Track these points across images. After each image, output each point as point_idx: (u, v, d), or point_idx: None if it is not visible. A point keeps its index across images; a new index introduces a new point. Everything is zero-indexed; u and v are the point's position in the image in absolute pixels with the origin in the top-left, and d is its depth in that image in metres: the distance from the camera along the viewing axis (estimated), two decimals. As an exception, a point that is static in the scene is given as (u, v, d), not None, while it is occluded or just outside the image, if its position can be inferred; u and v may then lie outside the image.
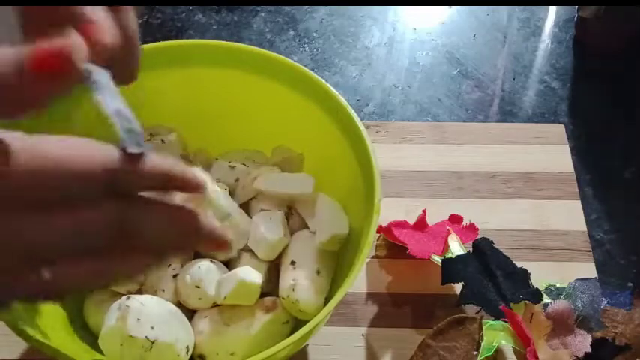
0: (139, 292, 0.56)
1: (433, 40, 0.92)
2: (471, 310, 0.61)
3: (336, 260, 0.58)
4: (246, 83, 0.62)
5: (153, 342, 0.48)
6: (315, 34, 0.91)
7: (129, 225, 0.29)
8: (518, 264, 0.62)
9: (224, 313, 0.54)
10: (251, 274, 0.52)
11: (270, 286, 0.55)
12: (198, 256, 0.57)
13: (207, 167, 0.62)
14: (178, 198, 0.32)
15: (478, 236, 0.64)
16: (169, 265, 0.55)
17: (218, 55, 0.61)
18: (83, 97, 0.31)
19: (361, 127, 0.56)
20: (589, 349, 0.55)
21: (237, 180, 0.60)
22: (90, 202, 0.28)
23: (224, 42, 0.62)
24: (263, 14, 0.95)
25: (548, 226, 0.70)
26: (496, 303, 0.58)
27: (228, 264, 0.57)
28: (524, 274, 0.61)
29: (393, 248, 0.67)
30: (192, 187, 0.31)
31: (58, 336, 0.51)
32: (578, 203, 0.72)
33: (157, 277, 0.54)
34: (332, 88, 0.58)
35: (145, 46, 0.59)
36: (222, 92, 0.63)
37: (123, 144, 0.29)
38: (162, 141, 0.60)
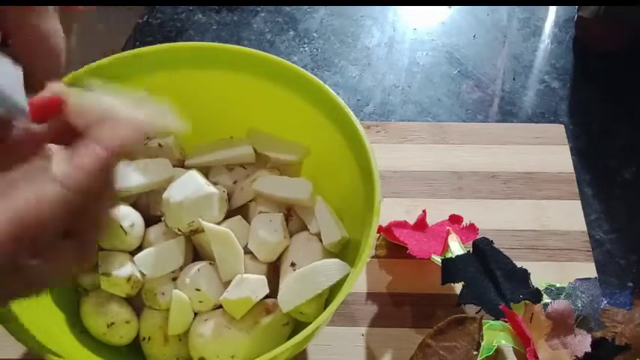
0: (138, 295, 0.56)
1: (433, 40, 0.93)
2: (471, 310, 0.61)
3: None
4: (245, 86, 0.61)
5: None
6: (315, 34, 0.91)
7: None
8: (518, 264, 0.62)
9: (224, 316, 0.54)
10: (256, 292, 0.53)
11: (271, 288, 0.55)
12: (197, 258, 0.57)
13: (205, 170, 0.62)
14: None
15: (478, 236, 0.64)
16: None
17: (216, 58, 0.61)
18: None
19: (361, 129, 0.56)
20: (589, 349, 0.55)
21: (235, 182, 0.60)
22: None
23: (223, 44, 0.62)
24: (263, 14, 0.95)
25: (548, 226, 0.70)
26: (496, 303, 0.58)
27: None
28: (524, 274, 0.61)
29: (393, 248, 0.67)
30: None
31: (59, 342, 0.51)
32: (578, 203, 0.72)
33: (156, 281, 0.54)
34: (331, 90, 0.58)
35: (144, 49, 0.59)
36: (220, 94, 0.62)
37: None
38: (160, 144, 0.60)
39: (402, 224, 0.66)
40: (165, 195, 0.55)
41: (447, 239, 0.63)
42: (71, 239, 0.33)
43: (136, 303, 0.56)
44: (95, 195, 0.31)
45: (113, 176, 0.33)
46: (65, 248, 0.33)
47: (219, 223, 0.56)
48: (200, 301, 0.54)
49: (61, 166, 0.31)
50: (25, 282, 0.32)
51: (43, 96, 0.32)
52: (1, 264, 0.29)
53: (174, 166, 0.59)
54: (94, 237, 0.34)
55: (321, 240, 0.57)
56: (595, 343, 0.55)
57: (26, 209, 0.29)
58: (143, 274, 0.54)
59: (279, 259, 0.57)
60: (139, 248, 0.56)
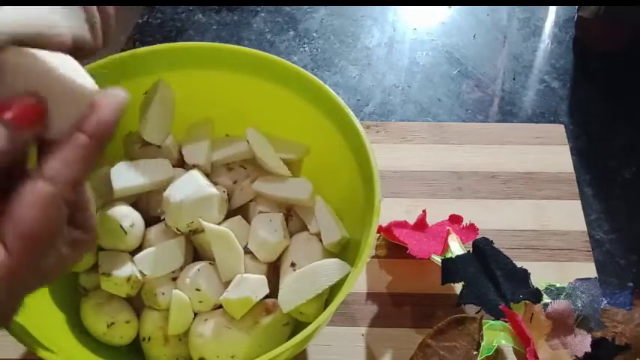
0: (138, 295, 0.56)
1: (433, 40, 0.93)
2: (471, 310, 0.62)
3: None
4: (245, 86, 0.61)
5: None
6: (315, 34, 0.91)
7: None
8: (518, 264, 0.62)
9: (224, 316, 0.54)
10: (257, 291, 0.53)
11: (271, 288, 0.55)
12: (197, 258, 0.57)
13: (206, 169, 0.62)
14: None
15: (478, 236, 0.64)
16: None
17: (216, 58, 0.61)
18: None
19: (361, 129, 0.56)
20: (589, 349, 0.55)
21: (235, 182, 0.60)
22: None
23: (223, 44, 0.62)
24: (263, 14, 0.95)
25: (548, 226, 0.70)
26: (496, 303, 0.58)
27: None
28: (524, 274, 0.61)
29: (393, 248, 0.67)
30: None
31: (59, 342, 0.51)
32: (578, 203, 0.72)
33: (156, 281, 0.54)
34: (331, 90, 0.58)
35: (144, 49, 0.59)
36: (220, 94, 0.62)
37: None
38: (159, 145, 0.60)
39: (402, 224, 0.66)
40: (165, 194, 0.55)
41: (447, 239, 0.63)
42: (72, 224, 0.33)
43: (136, 303, 0.56)
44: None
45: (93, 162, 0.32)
46: (75, 235, 0.34)
47: (219, 224, 0.56)
48: (200, 301, 0.54)
49: (49, 164, 0.30)
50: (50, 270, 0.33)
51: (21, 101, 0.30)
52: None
53: (174, 166, 0.59)
54: (89, 214, 0.35)
55: (321, 240, 0.57)
56: (595, 343, 0.55)
57: (31, 219, 0.29)
58: (143, 274, 0.54)
59: (279, 259, 0.57)
60: (139, 248, 0.56)
